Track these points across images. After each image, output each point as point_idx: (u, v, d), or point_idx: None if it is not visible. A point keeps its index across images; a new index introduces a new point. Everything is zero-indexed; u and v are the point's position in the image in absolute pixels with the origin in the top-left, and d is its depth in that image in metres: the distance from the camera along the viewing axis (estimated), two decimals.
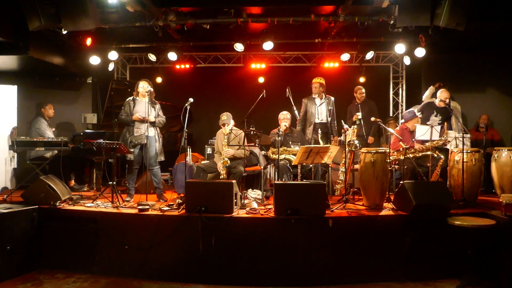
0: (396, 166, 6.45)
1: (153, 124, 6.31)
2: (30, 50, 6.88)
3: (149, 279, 4.95)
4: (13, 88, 7.85)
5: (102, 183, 7.30)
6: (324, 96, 7.06)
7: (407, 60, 8.93)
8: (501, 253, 4.60)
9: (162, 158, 6.54)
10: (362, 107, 7.81)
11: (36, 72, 8.83)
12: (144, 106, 6.17)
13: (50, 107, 7.67)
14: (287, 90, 6.72)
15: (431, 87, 7.94)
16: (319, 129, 6.80)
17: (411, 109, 7.06)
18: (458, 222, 4.46)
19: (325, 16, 7.41)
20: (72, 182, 7.31)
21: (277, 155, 5.97)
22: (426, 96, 7.97)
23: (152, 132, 6.31)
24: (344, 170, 6.10)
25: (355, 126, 6.18)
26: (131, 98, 6.37)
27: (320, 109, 7.02)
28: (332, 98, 7.03)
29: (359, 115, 7.18)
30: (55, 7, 5.68)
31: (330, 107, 6.96)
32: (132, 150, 6.17)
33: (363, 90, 7.95)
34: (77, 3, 5.64)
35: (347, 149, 5.93)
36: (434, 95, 7.99)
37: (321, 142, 6.54)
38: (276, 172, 6.16)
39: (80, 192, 6.89)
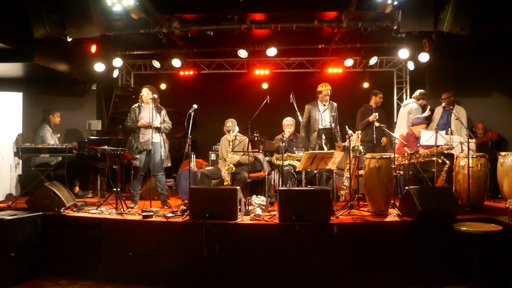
0: (401, 172, 6.42)
1: (158, 130, 6.32)
2: (36, 57, 6.91)
3: (153, 285, 4.94)
4: (19, 95, 7.88)
5: (107, 190, 7.30)
6: (327, 102, 7.08)
7: (411, 65, 8.90)
8: (508, 259, 4.56)
9: (169, 164, 6.55)
10: (377, 112, 7.48)
11: (41, 79, 8.87)
12: (149, 112, 6.18)
13: (58, 115, 7.70)
14: (291, 96, 6.72)
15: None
16: (323, 135, 6.79)
17: (421, 115, 7.01)
18: (464, 228, 4.43)
19: (328, 22, 7.42)
20: (77, 189, 7.32)
21: (281, 161, 5.96)
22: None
23: (158, 138, 6.33)
24: (348, 176, 6.08)
25: (359, 132, 6.16)
26: (136, 105, 6.41)
27: (324, 115, 7.04)
28: (335, 104, 7.02)
29: (377, 115, 7.13)
30: (60, 15, 5.73)
31: (333, 113, 6.97)
32: (137, 156, 6.17)
33: (382, 95, 7.90)
34: (82, 10, 5.68)
35: (351, 154, 5.91)
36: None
37: (325, 147, 6.53)
38: (280, 178, 6.14)
39: (85, 198, 6.90)
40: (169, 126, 6.49)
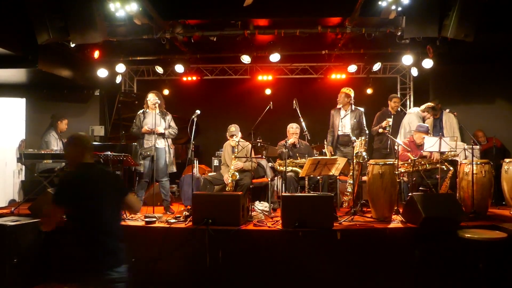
0: (405, 178, 6.39)
1: (162, 135, 6.32)
2: (39, 63, 6.92)
3: None
4: (22, 101, 7.90)
5: None
6: (350, 108, 6.95)
7: (414, 71, 8.89)
8: None
9: (174, 169, 6.54)
10: (394, 119, 7.39)
11: (45, 85, 8.89)
12: (153, 118, 6.18)
13: (66, 122, 7.71)
14: (294, 101, 6.71)
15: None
16: (342, 142, 6.78)
17: (425, 124, 6.97)
18: (469, 235, 4.40)
19: (332, 27, 7.42)
20: None
21: (284, 167, 5.94)
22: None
23: (162, 143, 6.32)
24: (352, 182, 6.05)
25: (362, 139, 6.14)
26: (141, 111, 6.41)
27: (344, 121, 6.93)
28: (360, 109, 6.84)
29: (390, 120, 7.03)
30: (63, 21, 5.74)
31: (355, 119, 6.79)
32: (141, 162, 6.17)
33: (398, 100, 7.83)
34: (85, 16, 5.69)
35: (354, 160, 5.89)
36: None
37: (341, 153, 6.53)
38: (284, 184, 6.12)
39: None
40: (175, 132, 6.49)
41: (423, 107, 7.53)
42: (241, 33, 7.48)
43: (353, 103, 6.97)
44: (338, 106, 7.03)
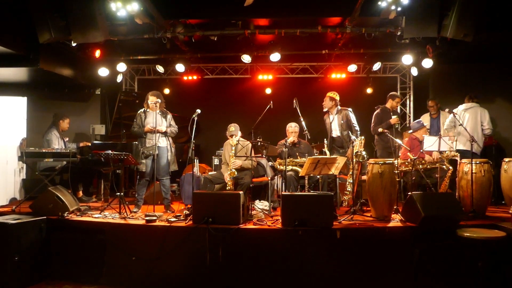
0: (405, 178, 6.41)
1: (165, 134, 6.34)
2: (41, 62, 6.95)
3: None
4: (23, 100, 7.93)
5: (110, 194, 7.32)
6: (336, 111, 7.01)
7: (414, 71, 8.91)
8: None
9: (175, 168, 6.57)
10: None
11: (46, 84, 8.91)
12: (154, 117, 6.21)
13: (67, 122, 7.73)
14: (294, 101, 6.72)
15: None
16: (336, 144, 6.82)
17: (419, 119, 7.00)
18: (468, 234, 4.41)
19: (332, 27, 7.43)
20: (80, 193, 7.33)
21: (284, 166, 5.96)
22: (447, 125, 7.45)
23: (164, 142, 6.35)
24: (351, 181, 6.07)
25: (363, 138, 6.15)
26: (142, 110, 6.43)
27: (333, 124, 7.00)
28: (347, 110, 6.90)
29: (397, 118, 7.06)
30: (65, 20, 5.76)
31: (342, 120, 6.88)
32: (143, 161, 6.19)
33: (400, 100, 7.82)
34: (87, 15, 5.71)
35: (354, 160, 5.90)
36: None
37: (327, 152, 6.53)
38: (283, 183, 6.14)
39: (88, 203, 6.91)
40: (175, 130, 6.52)
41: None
42: (241, 32, 7.49)
43: (339, 105, 7.02)
44: (325, 110, 7.08)
